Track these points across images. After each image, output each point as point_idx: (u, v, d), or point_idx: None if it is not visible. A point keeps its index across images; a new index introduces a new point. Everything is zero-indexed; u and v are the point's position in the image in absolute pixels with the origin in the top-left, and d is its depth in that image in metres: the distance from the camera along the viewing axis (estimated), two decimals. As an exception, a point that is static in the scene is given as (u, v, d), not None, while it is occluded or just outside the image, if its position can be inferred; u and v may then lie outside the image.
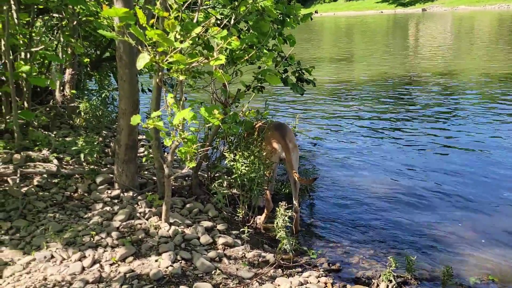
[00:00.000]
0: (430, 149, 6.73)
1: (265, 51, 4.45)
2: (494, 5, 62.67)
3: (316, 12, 5.10)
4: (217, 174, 4.97)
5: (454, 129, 7.71)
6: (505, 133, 7.30)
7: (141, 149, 6.32)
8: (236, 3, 4.28)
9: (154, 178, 4.87)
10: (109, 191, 4.51)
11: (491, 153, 6.45)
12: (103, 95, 6.69)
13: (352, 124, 8.36)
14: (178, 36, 3.01)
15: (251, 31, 4.52)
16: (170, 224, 3.94)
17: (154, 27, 3.01)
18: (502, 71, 13.48)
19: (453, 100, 10.00)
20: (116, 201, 4.38)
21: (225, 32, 3.28)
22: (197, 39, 3.39)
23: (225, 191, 4.38)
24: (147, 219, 4.04)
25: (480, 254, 4.01)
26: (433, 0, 73.95)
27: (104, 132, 6.60)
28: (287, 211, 3.67)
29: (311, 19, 4.56)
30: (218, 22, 4.71)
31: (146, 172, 5.30)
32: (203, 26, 3.20)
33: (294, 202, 4.53)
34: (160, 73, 3.34)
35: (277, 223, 3.71)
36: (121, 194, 4.47)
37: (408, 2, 77.74)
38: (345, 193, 5.32)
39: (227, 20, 4.39)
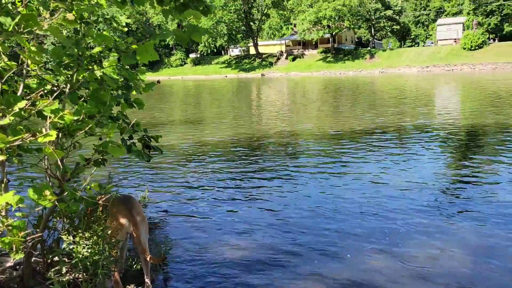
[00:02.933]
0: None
1: (107, 122, 4.21)
2: (319, 72, 73.91)
3: (158, 82, 5.12)
4: (56, 259, 4.37)
5: (288, 187, 8.34)
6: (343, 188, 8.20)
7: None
8: (71, 72, 4.01)
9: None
10: None
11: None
12: None
13: (203, 185, 8.40)
14: (-4, 111, 2.66)
15: (89, 100, 4.26)
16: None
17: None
18: (331, 129, 15.41)
19: (293, 159, 10.92)
20: None
21: (56, 104, 3.02)
22: (22, 112, 3.05)
23: (65, 279, 3.84)
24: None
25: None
26: (270, 66, 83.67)
27: None
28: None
29: (152, 90, 4.54)
30: (54, 89, 4.35)
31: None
32: (28, 99, 2.90)
33: (146, 280, 4.23)
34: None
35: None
36: None
37: (249, 68, 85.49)
38: (202, 261, 5.17)
39: (61, 88, 4.08)
